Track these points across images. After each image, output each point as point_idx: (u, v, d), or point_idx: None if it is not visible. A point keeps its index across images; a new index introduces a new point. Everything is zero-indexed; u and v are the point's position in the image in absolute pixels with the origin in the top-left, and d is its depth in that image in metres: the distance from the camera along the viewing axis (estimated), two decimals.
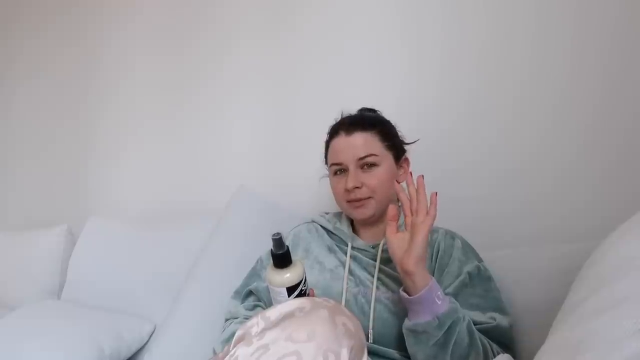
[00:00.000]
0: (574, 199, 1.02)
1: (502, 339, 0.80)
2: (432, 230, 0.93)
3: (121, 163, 1.83)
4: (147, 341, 1.23)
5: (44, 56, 2.15)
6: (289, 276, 0.74)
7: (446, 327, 0.71)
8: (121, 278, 1.42)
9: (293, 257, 0.76)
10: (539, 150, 1.08)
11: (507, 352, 0.78)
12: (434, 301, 0.72)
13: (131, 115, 1.83)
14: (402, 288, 0.77)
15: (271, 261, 0.75)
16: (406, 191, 1.06)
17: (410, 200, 0.80)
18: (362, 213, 0.93)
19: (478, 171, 1.14)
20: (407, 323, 0.76)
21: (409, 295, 0.74)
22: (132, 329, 1.21)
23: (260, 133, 1.52)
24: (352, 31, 1.37)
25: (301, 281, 0.75)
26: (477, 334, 0.75)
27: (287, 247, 0.74)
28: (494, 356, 0.76)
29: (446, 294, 0.78)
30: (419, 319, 0.73)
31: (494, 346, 0.78)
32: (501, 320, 0.80)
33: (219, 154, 1.59)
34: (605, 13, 1.02)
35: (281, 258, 0.74)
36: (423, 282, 0.73)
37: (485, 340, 0.77)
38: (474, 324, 0.78)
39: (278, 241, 0.73)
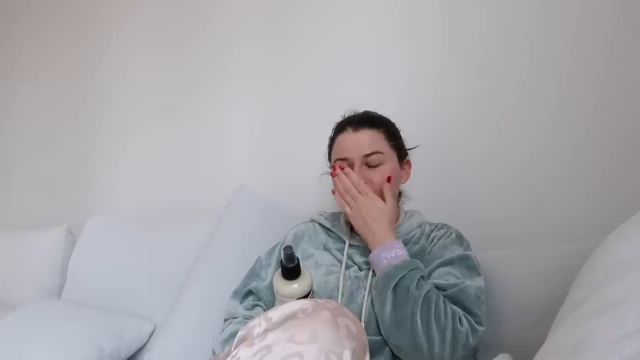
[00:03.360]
0: (574, 199, 1.02)
1: (467, 302, 0.79)
2: (431, 226, 0.95)
3: (121, 163, 1.83)
4: (147, 341, 1.22)
5: (44, 56, 2.14)
6: (296, 287, 0.75)
7: (381, 287, 0.80)
8: (121, 278, 1.42)
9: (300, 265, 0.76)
10: (539, 151, 1.08)
11: (470, 317, 0.78)
12: (381, 261, 0.83)
13: (131, 115, 1.83)
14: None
15: (279, 271, 0.76)
16: (403, 191, 1.06)
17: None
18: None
19: (478, 171, 1.14)
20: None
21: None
22: (132, 329, 1.21)
23: (260, 133, 1.52)
24: (352, 31, 1.37)
25: (311, 290, 0.76)
26: (433, 308, 0.75)
27: (298, 259, 0.75)
28: (452, 321, 0.75)
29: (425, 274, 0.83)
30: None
31: (450, 309, 0.77)
32: (470, 284, 0.80)
33: (219, 154, 1.59)
34: (605, 13, 1.03)
35: (291, 271, 0.74)
36: (372, 246, 0.87)
37: (445, 309, 0.77)
38: (442, 289, 0.80)
39: (290, 255, 0.73)
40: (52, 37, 2.13)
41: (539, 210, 1.06)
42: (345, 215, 0.93)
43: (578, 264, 0.60)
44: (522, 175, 1.09)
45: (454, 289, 0.80)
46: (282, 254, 0.74)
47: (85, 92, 1.97)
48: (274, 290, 0.78)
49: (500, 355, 0.74)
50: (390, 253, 0.83)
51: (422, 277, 0.80)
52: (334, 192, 0.92)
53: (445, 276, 0.83)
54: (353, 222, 0.90)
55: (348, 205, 0.89)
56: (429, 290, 0.78)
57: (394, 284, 0.79)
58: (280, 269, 0.76)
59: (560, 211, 1.04)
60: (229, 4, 1.61)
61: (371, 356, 0.79)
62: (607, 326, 0.40)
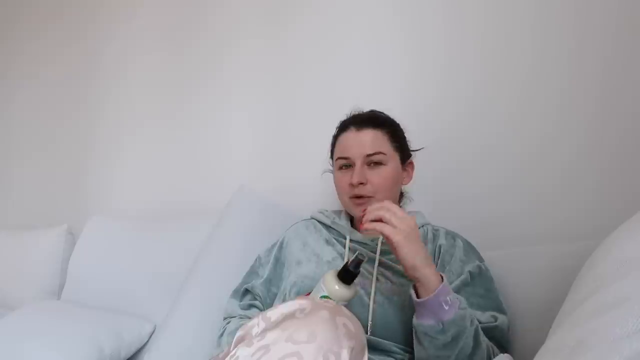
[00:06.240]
0: (574, 199, 1.02)
1: (501, 339, 0.80)
2: (434, 231, 0.94)
3: (121, 163, 1.83)
4: (147, 341, 1.23)
5: (44, 56, 2.15)
6: (339, 289, 0.74)
7: (450, 333, 0.70)
8: (121, 278, 1.42)
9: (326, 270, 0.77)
10: (540, 150, 1.08)
11: (502, 351, 0.79)
12: (441, 306, 0.70)
13: (131, 116, 1.83)
14: (412, 285, 0.75)
15: (335, 270, 0.75)
16: (409, 195, 1.05)
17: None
18: (363, 211, 0.92)
19: (478, 171, 1.14)
20: (414, 320, 0.75)
21: (417, 296, 0.73)
22: (132, 329, 1.21)
23: (260, 133, 1.52)
24: (352, 31, 1.37)
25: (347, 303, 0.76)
26: (483, 339, 0.75)
27: (359, 273, 0.74)
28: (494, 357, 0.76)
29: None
30: (423, 320, 0.72)
31: (495, 348, 0.78)
32: (502, 320, 0.80)
33: (219, 154, 1.59)
34: (605, 13, 1.03)
35: (350, 276, 0.74)
36: (431, 286, 0.71)
37: (489, 344, 0.77)
38: (478, 321, 0.78)
39: (358, 263, 0.73)
40: (52, 37, 2.13)
41: (539, 210, 1.06)
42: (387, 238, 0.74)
43: (578, 264, 0.60)
44: (522, 175, 1.09)
45: (490, 324, 0.79)
46: (354, 257, 0.73)
47: (85, 92, 1.98)
48: (322, 283, 0.75)
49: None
50: (444, 298, 0.71)
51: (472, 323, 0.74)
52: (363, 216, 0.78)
53: (471, 298, 0.82)
54: (406, 252, 0.72)
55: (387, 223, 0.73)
56: (486, 342, 0.76)
57: (449, 336, 0.71)
58: (337, 269, 0.75)
59: (560, 211, 1.03)
60: (229, 4, 1.62)
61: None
62: (607, 326, 0.40)
